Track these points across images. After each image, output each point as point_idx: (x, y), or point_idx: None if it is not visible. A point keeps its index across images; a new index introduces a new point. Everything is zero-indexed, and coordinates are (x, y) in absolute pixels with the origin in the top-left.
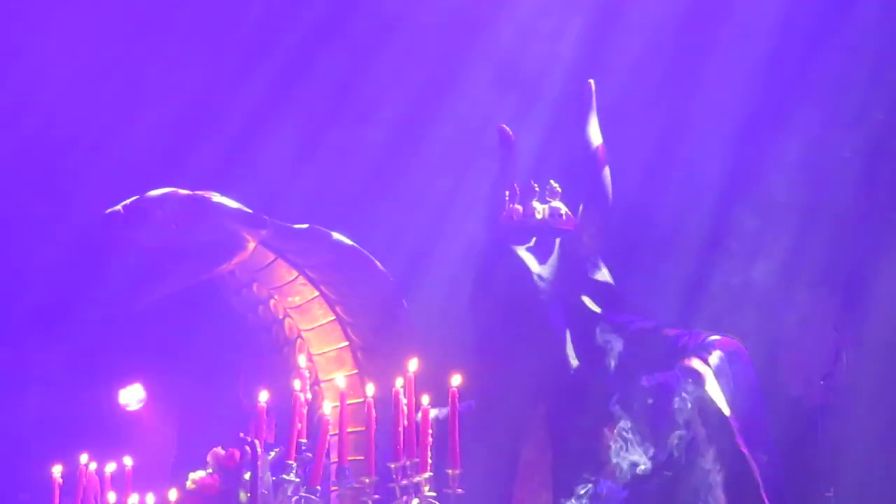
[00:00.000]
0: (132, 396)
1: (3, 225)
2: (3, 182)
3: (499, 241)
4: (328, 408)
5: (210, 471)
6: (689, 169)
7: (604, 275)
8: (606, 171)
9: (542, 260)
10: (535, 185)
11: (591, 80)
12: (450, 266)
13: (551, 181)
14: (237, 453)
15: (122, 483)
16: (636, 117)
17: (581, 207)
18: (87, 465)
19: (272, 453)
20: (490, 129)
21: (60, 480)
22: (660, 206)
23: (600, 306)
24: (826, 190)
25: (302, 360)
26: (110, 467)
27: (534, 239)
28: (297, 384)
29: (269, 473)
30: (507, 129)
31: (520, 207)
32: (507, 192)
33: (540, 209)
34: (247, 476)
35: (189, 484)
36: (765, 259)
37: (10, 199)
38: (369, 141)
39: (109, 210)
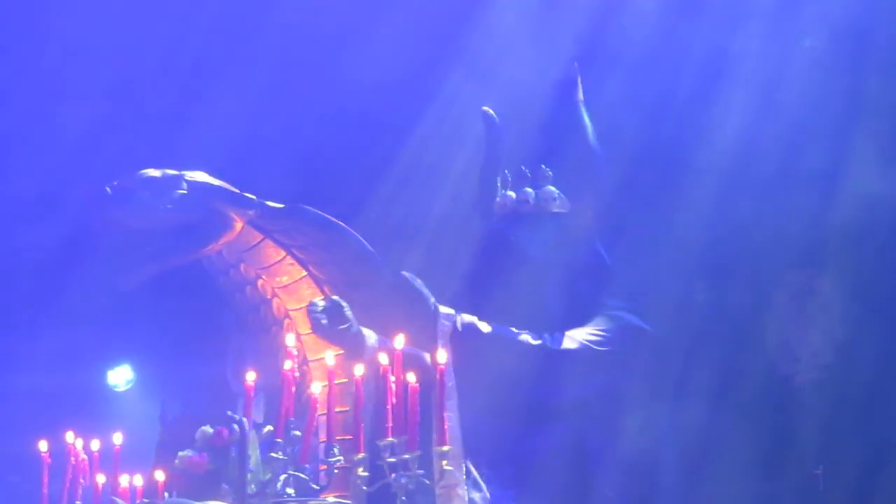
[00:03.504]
0: (121, 377)
1: None
2: None
3: (494, 229)
4: (316, 387)
5: (197, 450)
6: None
7: (600, 257)
8: (598, 151)
9: (538, 246)
10: (526, 170)
11: (575, 63)
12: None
13: (542, 166)
14: (225, 432)
15: (110, 464)
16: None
17: (575, 190)
18: (74, 444)
19: (266, 429)
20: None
21: (48, 459)
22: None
23: (597, 289)
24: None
25: (290, 339)
26: (95, 444)
27: (529, 225)
28: (287, 364)
29: (258, 452)
30: (492, 112)
31: (513, 194)
32: (499, 180)
33: (533, 195)
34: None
35: (177, 463)
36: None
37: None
38: (355, 115)
39: (97, 190)
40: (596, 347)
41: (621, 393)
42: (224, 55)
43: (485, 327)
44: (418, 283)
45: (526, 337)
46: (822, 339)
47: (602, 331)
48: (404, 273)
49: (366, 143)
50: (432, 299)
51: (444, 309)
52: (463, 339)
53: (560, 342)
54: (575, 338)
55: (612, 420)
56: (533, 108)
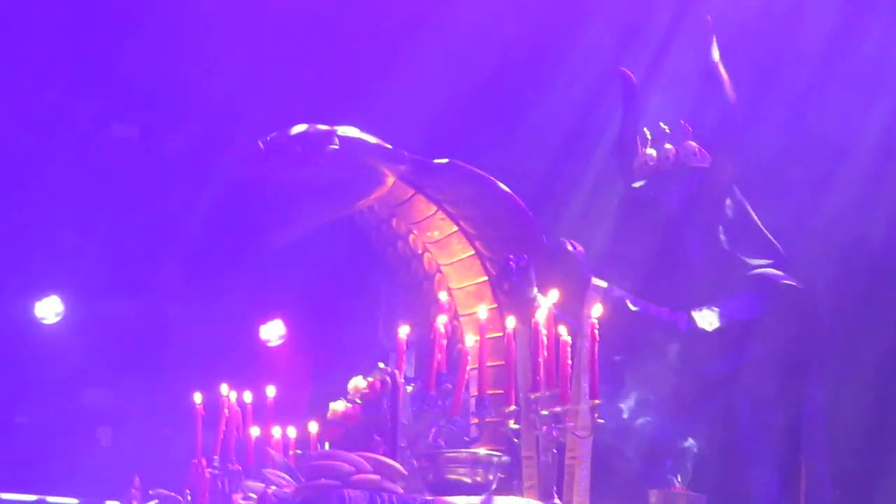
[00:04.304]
0: (273, 332)
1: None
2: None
3: (638, 189)
4: (469, 341)
5: (350, 402)
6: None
7: (744, 209)
8: (734, 102)
9: (681, 201)
10: (665, 126)
11: (709, 17)
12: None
13: (681, 121)
14: (378, 384)
15: (262, 416)
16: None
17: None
18: (227, 396)
19: (409, 387)
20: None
21: (203, 411)
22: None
23: (741, 246)
24: None
25: (443, 295)
26: (248, 396)
27: (670, 182)
28: (440, 318)
29: (408, 404)
30: (629, 72)
31: (653, 152)
32: (638, 138)
33: (673, 151)
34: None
35: (329, 414)
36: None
37: (150, 139)
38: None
39: (250, 147)
40: (742, 318)
41: (771, 361)
42: (376, 12)
43: (632, 305)
44: (574, 249)
45: (672, 317)
46: None
47: (747, 300)
48: (562, 239)
49: (512, 104)
50: (586, 269)
51: (597, 281)
52: (610, 315)
53: (707, 320)
54: (720, 313)
55: (762, 391)
56: (668, 66)
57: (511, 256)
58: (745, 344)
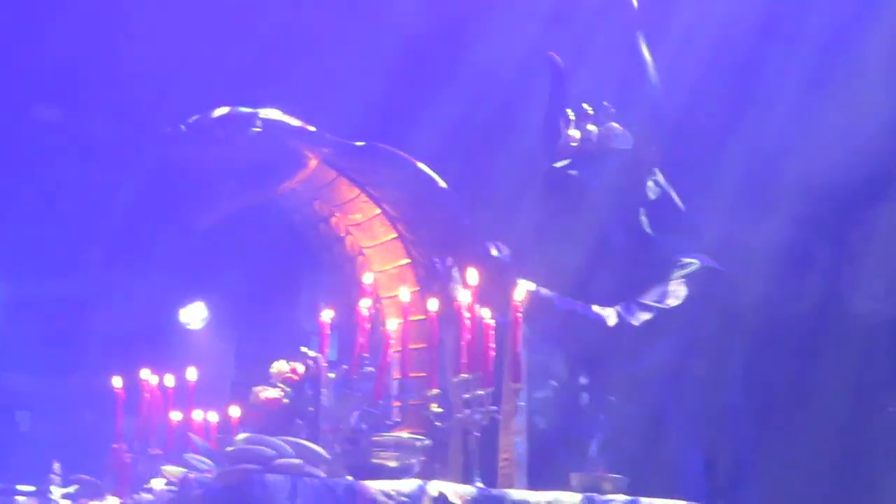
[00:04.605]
0: (194, 315)
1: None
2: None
3: (560, 168)
4: (391, 324)
5: (273, 386)
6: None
7: (666, 192)
8: (658, 84)
9: (603, 182)
10: (589, 108)
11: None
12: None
13: (605, 103)
14: (300, 368)
15: (184, 400)
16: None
17: (636, 125)
18: (148, 380)
19: (331, 375)
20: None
21: (123, 395)
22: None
23: (662, 228)
24: None
25: (368, 277)
26: (170, 380)
27: (592, 163)
28: (363, 302)
29: (332, 388)
30: (557, 57)
31: (576, 133)
32: (562, 119)
33: (596, 132)
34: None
35: (252, 399)
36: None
37: (74, 121)
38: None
39: (172, 130)
40: (669, 306)
41: (696, 343)
42: None
43: (560, 305)
44: (500, 252)
45: (601, 312)
46: None
47: (672, 288)
48: (487, 244)
49: (436, 86)
50: (512, 272)
51: (524, 283)
52: (536, 314)
53: (634, 313)
54: (648, 306)
55: (687, 372)
56: (593, 47)
57: (436, 259)
58: (673, 332)
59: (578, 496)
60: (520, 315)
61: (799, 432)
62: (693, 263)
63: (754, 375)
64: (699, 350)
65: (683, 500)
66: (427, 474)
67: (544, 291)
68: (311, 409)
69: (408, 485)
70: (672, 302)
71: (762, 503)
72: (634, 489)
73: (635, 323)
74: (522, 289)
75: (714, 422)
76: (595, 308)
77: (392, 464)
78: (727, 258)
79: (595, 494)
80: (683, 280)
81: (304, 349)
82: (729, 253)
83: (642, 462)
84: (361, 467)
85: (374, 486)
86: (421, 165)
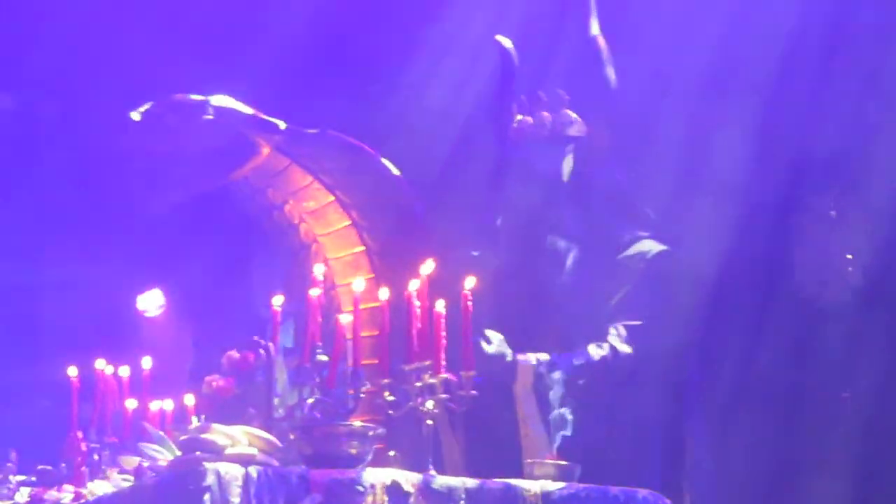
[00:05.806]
0: (151, 302)
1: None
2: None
3: (511, 154)
4: (345, 311)
5: (223, 375)
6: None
7: (617, 180)
8: (612, 72)
9: (556, 170)
10: (543, 94)
11: None
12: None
13: (558, 90)
14: (251, 356)
15: (139, 389)
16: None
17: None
18: (103, 370)
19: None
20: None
21: (78, 384)
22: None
23: (613, 213)
24: None
25: (318, 268)
26: (125, 370)
27: (545, 149)
28: (314, 291)
29: (285, 376)
30: (505, 41)
31: (530, 119)
32: (515, 105)
33: (549, 119)
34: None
35: (204, 388)
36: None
37: (25, 107)
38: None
39: (124, 116)
40: (619, 348)
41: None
42: None
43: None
44: (489, 343)
45: (595, 352)
46: (849, 261)
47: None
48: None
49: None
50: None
51: (522, 357)
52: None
53: (623, 338)
54: (610, 340)
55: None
56: (545, 34)
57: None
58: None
59: (535, 483)
60: (469, 304)
61: (745, 412)
62: (649, 249)
63: (701, 355)
64: (654, 333)
65: (639, 486)
66: (381, 462)
67: (534, 358)
68: (263, 397)
69: (361, 473)
70: (636, 315)
71: (711, 483)
72: (590, 477)
73: (628, 349)
74: (472, 280)
75: (672, 417)
76: (591, 349)
77: (345, 452)
78: (677, 242)
79: (549, 481)
80: (643, 284)
81: (256, 337)
82: (679, 237)
83: (598, 453)
84: (315, 456)
85: (328, 474)
86: (373, 152)
